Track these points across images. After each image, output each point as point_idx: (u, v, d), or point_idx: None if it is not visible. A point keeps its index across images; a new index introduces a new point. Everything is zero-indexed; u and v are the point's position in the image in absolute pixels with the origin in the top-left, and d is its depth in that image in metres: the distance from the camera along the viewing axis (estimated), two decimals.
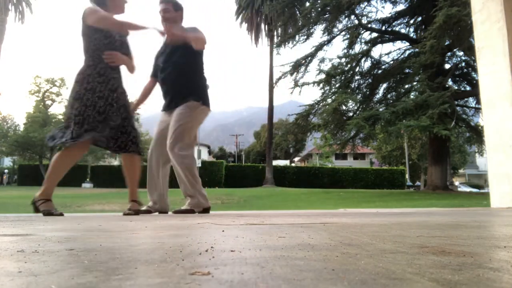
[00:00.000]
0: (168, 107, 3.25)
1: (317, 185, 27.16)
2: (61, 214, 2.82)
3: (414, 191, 18.94)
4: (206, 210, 3.13)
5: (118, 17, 2.97)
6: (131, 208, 3.04)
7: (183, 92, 3.18)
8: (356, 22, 15.49)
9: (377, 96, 16.17)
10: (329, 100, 14.96)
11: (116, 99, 2.89)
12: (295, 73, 15.89)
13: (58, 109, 31.17)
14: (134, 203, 3.07)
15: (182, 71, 3.19)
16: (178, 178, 3.12)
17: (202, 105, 3.20)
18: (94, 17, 2.84)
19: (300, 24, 16.49)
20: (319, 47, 15.51)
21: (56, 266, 0.60)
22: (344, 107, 14.88)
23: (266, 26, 26.58)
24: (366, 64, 15.62)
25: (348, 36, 15.22)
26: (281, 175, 28.16)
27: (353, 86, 15.54)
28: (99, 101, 2.81)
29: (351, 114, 15.34)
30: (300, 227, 1.45)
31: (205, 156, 49.87)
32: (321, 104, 15.34)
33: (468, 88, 15.76)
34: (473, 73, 14.88)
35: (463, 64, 15.39)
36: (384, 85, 15.90)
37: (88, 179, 28.35)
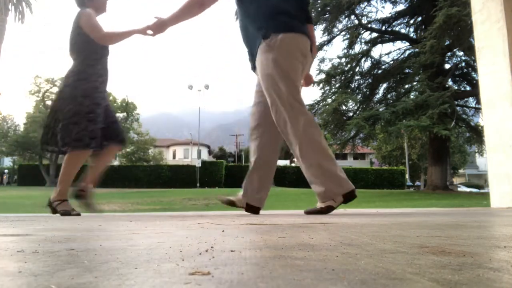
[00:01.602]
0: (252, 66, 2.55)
1: None
2: (78, 214, 2.81)
3: (414, 191, 18.94)
4: (349, 196, 2.33)
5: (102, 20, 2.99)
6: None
7: (253, 35, 2.42)
8: (356, 22, 15.50)
9: (377, 96, 16.20)
10: (329, 100, 14.98)
11: None
12: None
13: None
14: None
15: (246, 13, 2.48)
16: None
17: (281, 34, 2.30)
18: (97, 34, 2.86)
19: None
20: (319, 47, 15.52)
21: (56, 266, 0.60)
22: (344, 107, 14.90)
23: None
24: (366, 64, 15.66)
25: (348, 36, 15.24)
26: (281, 175, 28.17)
27: (353, 86, 15.56)
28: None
29: (351, 114, 15.36)
30: (300, 227, 1.45)
31: (205, 156, 49.93)
32: (321, 104, 15.36)
33: (468, 88, 15.77)
34: (473, 73, 14.90)
35: (463, 64, 15.41)
36: (384, 85, 15.92)
37: None
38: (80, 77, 2.86)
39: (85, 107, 2.80)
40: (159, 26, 2.61)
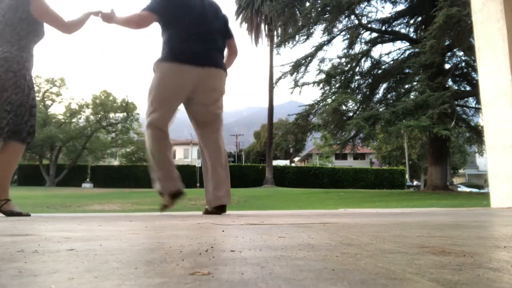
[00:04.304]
0: None
1: (317, 185, 27.18)
2: (28, 215, 2.69)
3: (414, 191, 18.95)
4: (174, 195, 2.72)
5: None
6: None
7: None
8: (356, 22, 15.49)
9: (377, 96, 16.18)
10: (329, 100, 14.96)
11: None
12: (295, 73, 15.90)
13: (58, 109, 31.23)
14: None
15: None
16: None
17: (162, 62, 2.64)
18: (42, 11, 2.67)
19: (300, 24, 16.49)
20: (319, 47, 15.51)
21: (56, 266, 0.60)
22: (344, 107, 14.88)
23: (266, 26, 26.58)
24: (366, 64, 15.63)
25: (348, 36, 15.22)
26: (281, 175, 28.17)
27: (353, 86, 15.54)
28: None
29: (351, 114, 15.34)
30: (300, 227, 1.45)
31: None
32: (321, 104, 15.34)
33: (468, 88, 15.75)
34: (473, 73, 14.88)
35: (463, 64, 15.38)
36: (384, 85, 15.90)
37: (88, 179, 28.38)
38: None
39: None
40: (108, 18, 2.76)
